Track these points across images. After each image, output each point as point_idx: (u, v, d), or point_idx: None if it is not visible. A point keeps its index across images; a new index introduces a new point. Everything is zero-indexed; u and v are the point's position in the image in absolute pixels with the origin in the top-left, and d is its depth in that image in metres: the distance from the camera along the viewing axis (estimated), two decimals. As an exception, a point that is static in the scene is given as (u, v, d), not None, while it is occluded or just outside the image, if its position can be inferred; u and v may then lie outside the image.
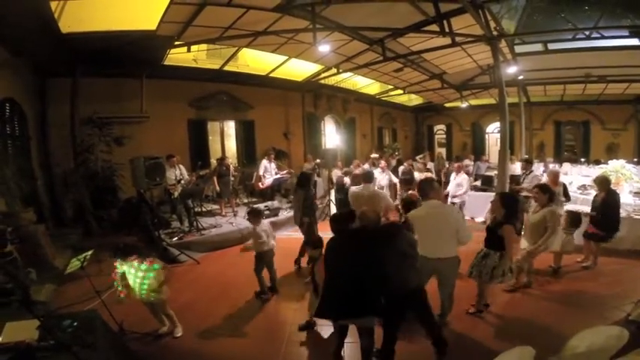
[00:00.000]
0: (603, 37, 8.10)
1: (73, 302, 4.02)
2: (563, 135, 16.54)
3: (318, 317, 2.75)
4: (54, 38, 5.51)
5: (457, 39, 7.40)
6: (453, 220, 3.32)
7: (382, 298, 2.54)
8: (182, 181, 6.87)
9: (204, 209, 7.89)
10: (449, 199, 7.45)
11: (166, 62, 8.10)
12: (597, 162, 11.95)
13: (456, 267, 3.39)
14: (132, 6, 5.62)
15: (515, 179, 7.30)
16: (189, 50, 7.47)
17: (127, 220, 6.99)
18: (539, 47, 9.32)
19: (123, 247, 3.42)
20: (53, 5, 4.85)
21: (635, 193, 6.74)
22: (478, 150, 17.77)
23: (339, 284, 2.62)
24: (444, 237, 3.27)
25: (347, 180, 7.70)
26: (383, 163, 8.69)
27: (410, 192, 6.14)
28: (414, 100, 17.50)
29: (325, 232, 5.69)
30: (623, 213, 5.61)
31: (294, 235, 7.16)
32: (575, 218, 4.91)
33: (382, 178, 7.84)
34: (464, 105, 15.09)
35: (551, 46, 9.15)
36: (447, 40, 7.58)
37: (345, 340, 3.05)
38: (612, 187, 6.55)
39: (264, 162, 8.45)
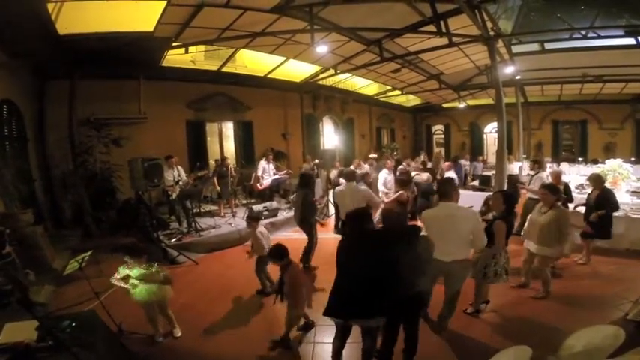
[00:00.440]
0: (599, 37, 8.15)
1: (72, 303, 4.02)
2: (560, 135, 16.61)
3: (327, 316, 2.70)
4: (51, 40, 5.50)
5: (454, 39, 7.43)
6: (470, 224, 3.21)
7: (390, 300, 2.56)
8: (180, 183, 6.87)
9: (202, 210, 7.88)
10: None
11: (164, 63, 8.12)
12: (595, 161, 11.99)
13: (466, 270, 3.34)
14: (129, 7, 5.61)
15: (513, 179, 7.32)
16: (186, 51, 7.49)
17: (125, 221, 6.98)
18: (536, 47, 9.37)
19: (133, 247, 3.44)
20: (50, 7, 4.85)
21: (632, 192, 6.77)
22: (476, 150, 17.87)
23: (350, 284, 2.61)
24: (456, 240, 3.20)
25: (342, 181, 7.72)
26: (389, 163, 8.69)
27: (399, 192, 6.19)
28: (412, 100, 17.55)
29: (326, 233, 5.74)
30: (620, 212, 5.65)
31: (294, 236, 7.17)
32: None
33: (390, 179, 7.81)
34: (462, 105, 15.13)
35: (548, 46, 9.21)
36: (444, 41, 7.61)
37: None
38: (610, 186, 6.64)
39: (263, 163, 8.45)
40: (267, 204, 7.94)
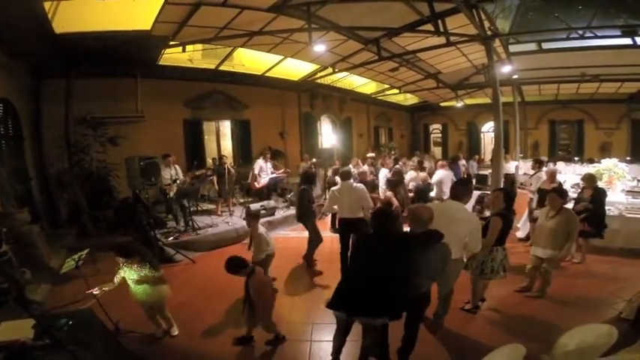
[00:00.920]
0: (597, 37, 8.19)
1: (68, 302, 4.01)
2: (557, 134, 16.68)
3: (331, 309, 2.69)
4: (48, 39, 5.48)
5: (452, 39, 7.44)
6: (469, 227, 3.23)
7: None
8: (177, 181, 6.86)
9: (200, 209, 7.88)
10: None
11: (161, 62, 8.09)
12: (591, 161, 12.05)
13: (458, 268, 3.37)
14: (126, 6, 5.60)
15: (509, 178, 7.33)
16: (184, 50, 7.46)
17: (122, 220, 6.95)
18: (533, 47, 9.40)
19: (125, 247, 3.41)
20: (47, 5, 4.82)
21: (627, 191, 6.82)
22: (473, 149, 17.93)
23: (361, 281, 2.60)
24: (453, 239, 3.13)
25: (338, 179, 7.73)
26: (388, 162, 8.70)
27: (387, 194, 6.19)
28: (410, 99, 17.58)
29: (323, 232, 5.75)
30: (615, 211, 5.70)
31: (291, 235, 7.20)
32: None
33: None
34: (459, 104, 15.19)
35: (545, 46, 9.24)
36: (442, 40, 7.62)
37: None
38: (606, 185, 6.70)
39: (260, 161, 8.45)
40: (265, 203, 7.94)
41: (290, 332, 3.62)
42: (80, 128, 7.32)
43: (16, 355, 2.08)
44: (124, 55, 6.97)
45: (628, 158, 12.27)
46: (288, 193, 9.10)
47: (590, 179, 5.24)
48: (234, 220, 7.19)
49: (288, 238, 7.07)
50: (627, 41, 8.15)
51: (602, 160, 7.71)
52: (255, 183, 8.37)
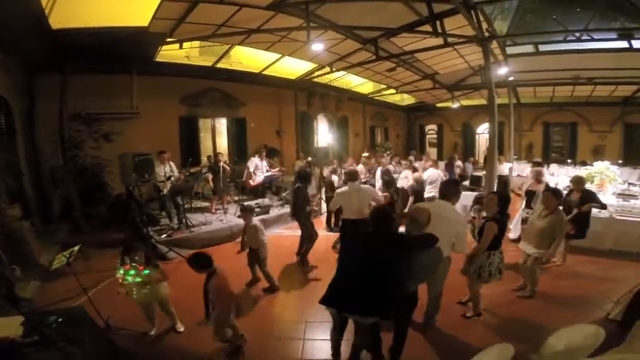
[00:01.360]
0: (593, 40, 8.22)
1: (59, 299, 3.98)
2: (551, 136, 16.81)
3: (323, 304, 2.70)
4: (44, 34, 5.42)
5: (449, 39, 7.47)
6: (457, 227, 3.28)
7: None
8: (172, 178, 6.82)
9: (193, 206, 7.84)
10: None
11: (158, 59, 8.03)
12: (583, 163, 12.18)
13: (446, 267, 3.39)
14: (124, 2, 5.56)
15: (502, 179, 7.38)
16: (181, 47, 7.42)
17: (115, 216, 6.91)
18: (530, 49, 9.45)
19: (130, 245, 3.40)
20: (44, 1, 4.76)
21: (618, 194, 6.91)
22: (468, 150, 18.03)
23: (354, 278, 2.61)
24: (443, 239, 3.13)
25: (335, 177, 7.77)
26: (384, 162, 8.71)
27: (384, 194, 6.21)
28: (407, 99, 17.62)
29: (318, 230, 5.76)
30: (605, 214, 5.76)
31: (285, 233, 7.20)
32: None
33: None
34: (455, 105, 15.24)
35: (542, 48, 9.29)
36: (440, 41, 7.65)
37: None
38: (597, 188, 6.78)
39: (255, 159, 8.43)
40: (260, 201, 7.92)
41: (283, 330, 3.65)
42: (74, 124, 7.26)
43: (5, 353, 2.07)
44: (120, 52, 6.90)
45: (620, 161, 12.42)
46: (283, 191, 9.09)
47: (578, 181, 5.28)
48: (228, 217, 7.17)
49: (282, 236, 7.07)
50: (623, 44, 8.20)
51: (595, 163, 7.81)
52: (250, 181, 8.35)
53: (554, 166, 12.24)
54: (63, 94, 6.97)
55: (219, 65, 9.24)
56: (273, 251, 6.06)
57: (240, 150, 10.82)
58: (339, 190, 5.13)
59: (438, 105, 17.49)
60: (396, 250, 2.65)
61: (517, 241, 6.08)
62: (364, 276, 2.56)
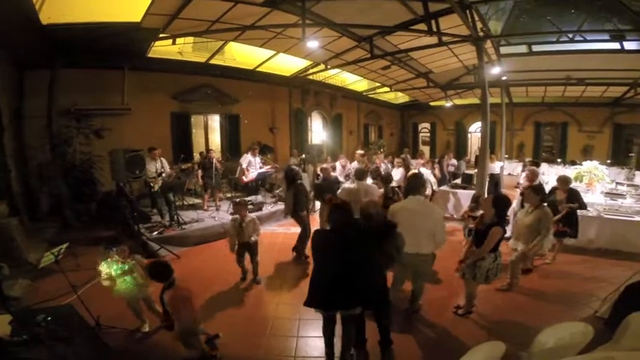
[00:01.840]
0: (586, 41, 8.31)
1: (48, 298, 3.92)
2: (542, 136, 17.02)
3: (309, 307, 2.80)
4: (33, 29, 5.32)
5: (444, 39, 7.48)
6: (433, 220, 3.40)
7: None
8: (163, 175, 6.75)
9: (185, 203, 7.77)
10: None
11: (150, 54, 7.93)
12: (573, 163, 12.40)
13: (430, 263, 3.51)
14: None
15: (494, 178, 7.43)
16: (174, 43, 7.32)
17: (106, 213, 6.83)
18: (523, 49, 9.51)
19: (115, 238, 3.36)
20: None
21: (606, 193, 7.02)
22: (461, 149, 18.19)
23: (332, 276, 2.67)
24: (422, 234, 3.36)
25: (337, 174, 7.77)
26: (378, 160, 8.73)
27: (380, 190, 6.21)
28: (401, 98, 17.68)
29: (314, 227, 5.76)
30: (594, 212, 5.85)
31: (278, 230, 7.18)
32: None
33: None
34: (448, 104, 15.33)
35: (535, 48, 9.36)
36: (434, 40, 7.65)
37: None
38: (586, 187, 6.88)
39: (248, 156, 8.36)
40: (252, 197, 7.88)
41: (277, 328, 3.65)
42: (64, 120, 7.13)
43: (-8, 352, 2.03)
44: (111, 47, 6.83)
45: (608, 161, 12.64)
46: (277, 188, 9.06)
47: (564, 181, 5.30)
48: (220, 214, 7.12)
49: (275, 233, 7.04)
50: (615, 46, 8.31)
51: (584, 163, 7.93)
52: (244, 177, 8.30)
53: (544, 166, 12.39)
54: (52, 90, 6.86)
55: (212, 61, 9.15)
56: (266, 248, 6.07)
57: (233, 146, 10.76)
58: (346, 186, 5.15)
59: (432, 104, 17.58)
60: (363, 241, 2.77)
61: (508, 239, 6.18)
62: (340, 271, 2.65)
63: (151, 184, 6.61)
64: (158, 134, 8.70)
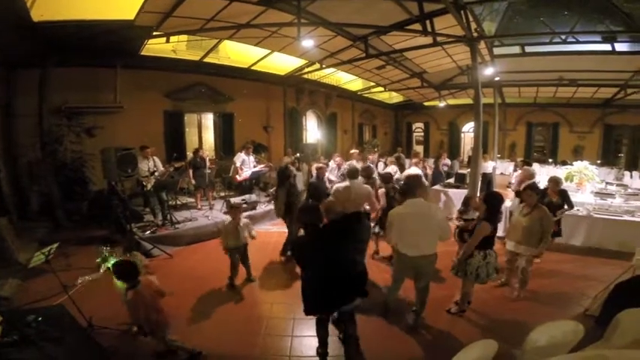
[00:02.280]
0: (578, 42, 8.41)
1: (39, 298, 3.87)
2: (533, 136, 17.22)
3: (312, 314, 2.85)
4: (25, 27, 5.22)
5: (438, 39, 7.51)
6: (436, 220, 3.37)
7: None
8: (156, 173, 6.69)
9: (179, 202, 7.71)
10: None
11: (143, 52, 7.83)
12: (564, 163, 12.57)
13: (434, 263, 3.48)
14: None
15: (486, 177, 7.48)
16: (168, 41, 7.23)
17: (97, 212, 6.74)
18: (517, 50, 9.59)
19: (110, 238, 3.33)
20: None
21: (596, 193, 7.13)
22: (454, 148, 18.34)
23: (327, 276, 2.69)
24: (426, 235, 3.33)
25: (328, 175, 7.76)
26: (371, 159, 8.75)
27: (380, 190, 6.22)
28: (395, 97, 17.74)
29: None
30: (584, 212, 5.95)
31: (272, 230, 7.16)
32: None
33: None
34: (442, 104, 15.43)
35: (528, 49, 9.45)
36: (429, 40, 7.68)
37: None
38: (576, 187, 6.98)
39: (242, 155, 8.33)
40: (246, 196, 7.86)
41: (271, 327, 3.65)
42: (54, 118, 7.03)
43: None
44: (104, 45, 6.75)
45: (598, 161, 12.86)
46: (271, 187, 9.04)
47: (556, 182, 5.32)
48: (214, 213, 7.09)
49: (269, 232, 7.03)
50: (607, 47, 8.43)
51: (575, 163, 8.04)
52: (237, 176, 8.26)
53: (535, 165, 12.55)
54: (43, 88, 6.75)
55: (206, 60, 9.08)
56: (260, 247, 6.05)
57: (227, 145, 10.70)
58: (339, 185, 5.14)
59: (426, 104, 17.67)
60: (343, 234, 2.83)
61: (503, 238, 6.24)
62: (332, 270, 2.69)
63: (144, 183, 6.55)
64: (151, 133, 8.61)
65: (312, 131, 14.29)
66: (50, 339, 2.24)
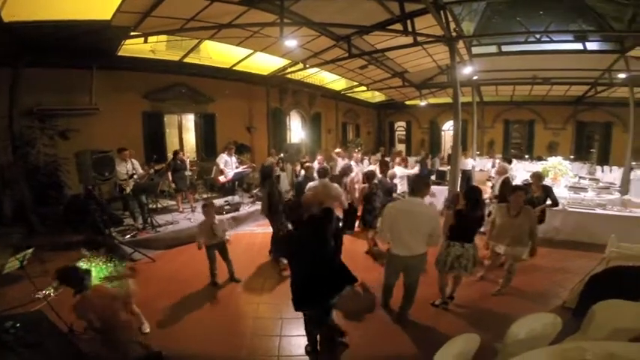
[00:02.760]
0: (552, 41, 8.73)
1: (16, 304, 3.72)
2: (510, 133, 17.72)
3: (302, 310, 2.89)
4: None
5: (418, 39, 7.62)
6: (432, 222, 3.36)
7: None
8: (135, 176, 6.51)
9: (159, 205, 7.54)
10: None
11: (121, 53, 7.60)
12: (539, 158, 13.02)
13: (425, 262, 3.50)
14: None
15: (466, 174, 7.64)
16: (146, 41, 7.05)
17: (73, 217, 6.50)
18: (494, 49, 9.85)
19: (91, 240, 3.22)
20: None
21: (569, 187, 7.42)
22: (435, 146, 18.69)
23: (314, 271, 2.77)
24: (418, 235, 3.33)
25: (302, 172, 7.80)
26: (356, 157, 8.79)
27: (363, 186, 6.35)
28: (377, 97, 17.93)
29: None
30: (559, 206, 6.16)
31: (257, 230, 7.12)
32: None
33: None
34: (423, 103, 15.68)
35: (505, 49, 9.72)
36: (410, 40, 7.77)
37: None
38: (551, 181, 7.23)
39: (224, 156, 8.22)
40: (229, 198, 7.77)
41: (259, 328, 3.63)
42: (26, 120, 6.72)
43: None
44: (79, 46, 6.51)
45: (572, 157, 13.38)
46: (254, 188, 8.97)
47: (538, 177, 5.45)
48: (196, 216, 6.96)
49: (254, 233, 6.98)
50: (578, 46, 8.78)
51: (549, 158, 8.35)
52: (220, 178, 8.15)
53: (513, 161, 12.94)
54: (14, 89, 6.46)
55: (187, 60, 8.90)
56: (245, 248, 6.01)
57: (209, 146, 10.53)
58: (310, 184, 5.20)
59: (407, 103, 17.94)
60: (322, 228, 2.96)
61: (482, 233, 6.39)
62: (318, 264, 2.78)
63: (123, 187, 6.37)
64: (129, 135, 8.37)
65: (296, 131, 14.26)
66: (28, 345, 2.21)
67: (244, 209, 7.69)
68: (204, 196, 8.55)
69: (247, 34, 7.45)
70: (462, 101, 7.63)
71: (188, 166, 7.70)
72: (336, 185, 5.26)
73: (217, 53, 9.46)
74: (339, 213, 4.96)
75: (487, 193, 6.60)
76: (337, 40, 8.28)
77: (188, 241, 6.16)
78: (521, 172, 9.86)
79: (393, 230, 3.37)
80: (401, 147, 19.73)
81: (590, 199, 6.69)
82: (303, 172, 6.73)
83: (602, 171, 11.90)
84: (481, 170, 12.36)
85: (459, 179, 7.60)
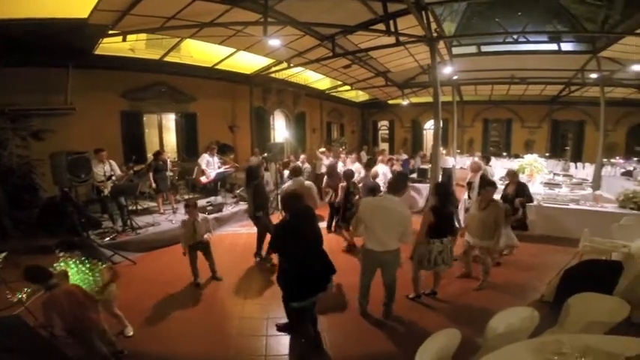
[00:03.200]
0: (528, 42, 9.03)
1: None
2: (489, 131, 18.21)
3: (306, 299, 2.92)
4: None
5: (401, 39, 7.70)
6: (403, 220, 3.44)
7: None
8: (113, 178, 6.34)
9: (139, 207, 7.36)
10: None
11: (98, 51, 7.36)
12: (516, 156, 13.41)
13: (399, 257, 3.59)
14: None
15: (447, 172, 7.80)
16: (124, 40, 6.84)
17: (50, 220, 6.26)
18: (473, 49, 10.09)
19: (67, 241, 3.13)
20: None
21: (545, 183, 7.69)
22: (417, 145, 19.00)
23: (311, 259, 2.93)
24: (392, 232, 3.41)
25: (286, 172, 7.85)
26: (343, 157, 8.86)
27: (341, 185, 6.43)
28: (361, 96, 18.06)
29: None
30: (534, 201, 6.37)
31: (240, 231, 7.05)
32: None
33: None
34: (405, 103, 15.89)
35: (484, 49, 9.97)
36: (392, 40, 7.85)
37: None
38: (527, 178, 7.46)
39: (206, 156, 8.07)
40: (212, 199, 7.67)
41: (244, 328, 3.62)
42: (-3, 121, 6.43)
43: None
44: (54, 44, 6.28)
45: (547, 154, 13.86)
46: (237, 188, 8.87)
47: (513, 174, 5.67)
48: (177, 217, 6.83)
49: (237, 234, 6.92)
50: (553, 47, 9.13)
51: (526, 156, 8.62)
52: (202, 178, 8.01)
53: (491, 159, 13.28)
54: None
55: (167, 59, 8.69)
56: (229, 249, 5.95)
57: (190, 146, 10.34)
58: (285, 185, 5.25)
59: (390, 102, 18.17)
60: (312, 218, 3.14)
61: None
62: (313, 251, 2.98)
63: (100, 188, 6.19)
64: (107, 135, 8.13)
65: (280, 130, 14.18)
66: (7, 349, 2.18)
67: (227, 210, 7.61)
68: (186, 197, 8.39)
69: (230, 32, 7.36)
70: (442, 100, 7.77)
71: (169, 167, 7.54)
72: (309, 183, 5.39)
73: (199, 52, 9.30)
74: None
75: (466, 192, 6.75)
76: (321, 39, 8.27)
77: (170, 242, 6.07)
78: (499, 169, 10.14)
79: (367, 225, 3.44)
80: (384, 146, 19.93)
81: (565, 195, 6.95)
82: (287, 172, 6.78)
83: (576, 167, 12.35)
84: (461, 168, 12.63)
85: (440, 177, 7.73)
